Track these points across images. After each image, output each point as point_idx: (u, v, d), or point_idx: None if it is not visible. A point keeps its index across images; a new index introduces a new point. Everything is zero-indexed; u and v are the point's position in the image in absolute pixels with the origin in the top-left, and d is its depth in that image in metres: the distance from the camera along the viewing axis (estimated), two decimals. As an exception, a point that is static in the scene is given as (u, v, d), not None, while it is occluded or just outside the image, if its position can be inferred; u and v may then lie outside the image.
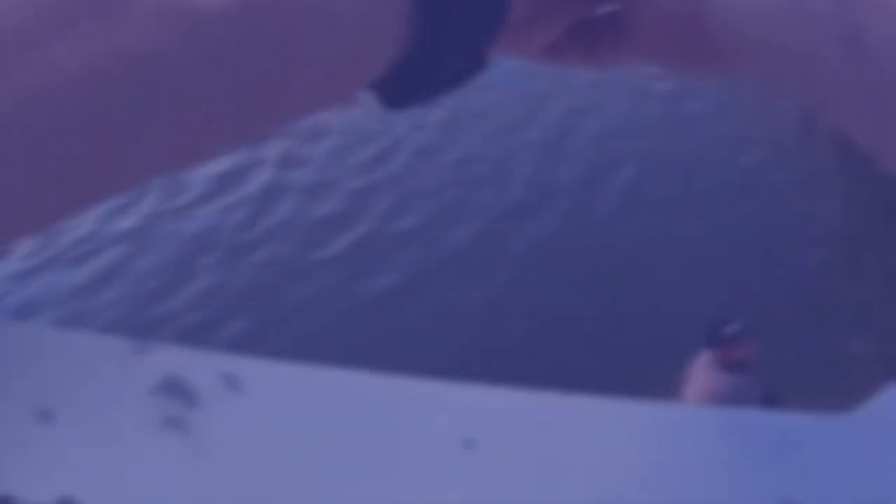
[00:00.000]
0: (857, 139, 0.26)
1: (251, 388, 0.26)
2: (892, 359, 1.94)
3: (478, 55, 0.25)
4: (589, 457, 0.24)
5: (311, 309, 2.34)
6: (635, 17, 0.27)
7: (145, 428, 0.25)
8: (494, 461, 0.23)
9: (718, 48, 0.26)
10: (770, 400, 1.81)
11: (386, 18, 0.24)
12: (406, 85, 0.25)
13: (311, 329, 2.26)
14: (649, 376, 1.67)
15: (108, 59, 0.21)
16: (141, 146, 0.23)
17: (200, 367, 0.26)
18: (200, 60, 0.22)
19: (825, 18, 0.26)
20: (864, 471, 0.23)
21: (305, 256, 2.50)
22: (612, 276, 2.14)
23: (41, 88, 0.21)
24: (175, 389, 0.26)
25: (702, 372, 1.88)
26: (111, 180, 0.23)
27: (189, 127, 0.23)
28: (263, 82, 0.23)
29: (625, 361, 2.10)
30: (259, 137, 0.30)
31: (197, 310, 2.42)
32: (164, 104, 0.22)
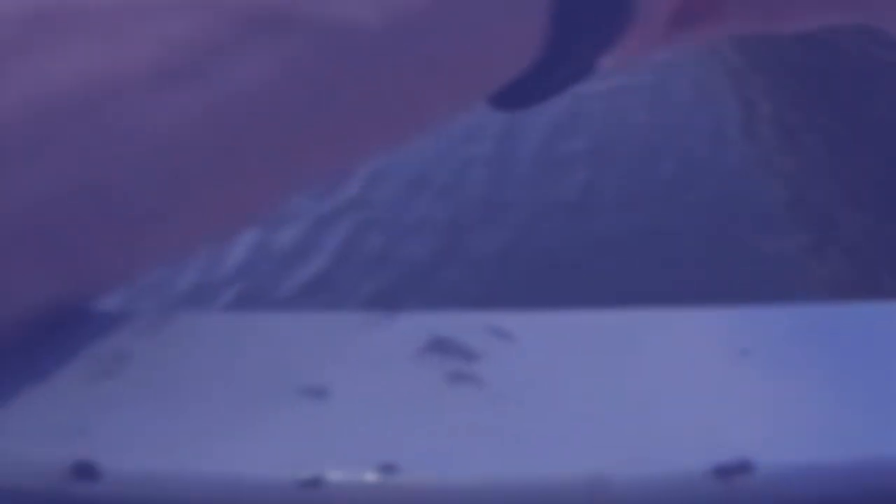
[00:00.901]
0: None
1: (522, 338, 0.25)
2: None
3: (592, 62, 0.26)
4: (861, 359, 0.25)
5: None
6: None
7: (433, 386, 0.25)
8: (769, 367, 0.24)
9: None
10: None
11: (526, 29, 0.24)
12: (524, 89, 0.25)
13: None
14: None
15: (278, 75, 0.21)
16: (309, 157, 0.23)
17: (461, 325, 0.26)
18: (354, 78, 0.22)
19: None
20: None
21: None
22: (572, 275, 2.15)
23: (221, 101, 0.21)
24: (448, 348, 0.25)
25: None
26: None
27: (339, 143, 0.23)
28: (411, 97, 0.23)
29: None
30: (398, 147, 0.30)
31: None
32: (322, 119, 0.22)
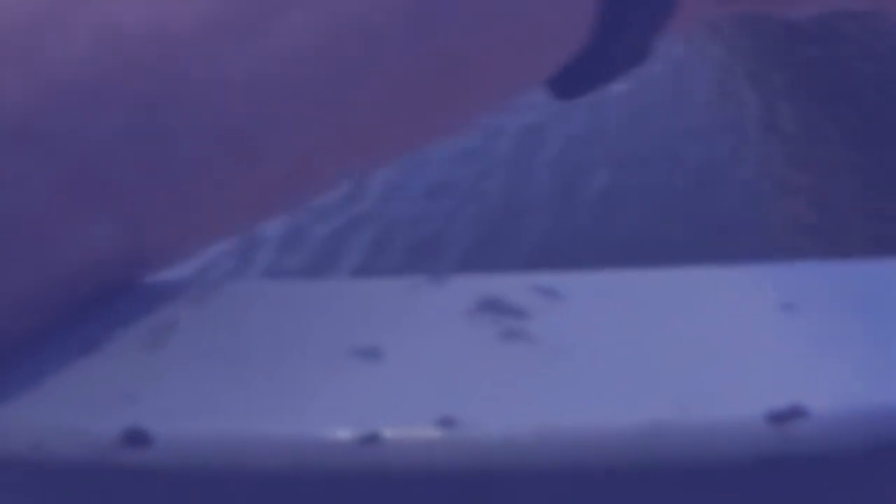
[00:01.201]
0: None
1: (570, 296, 0.26)
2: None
3: (648, 44, 0.26)
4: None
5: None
6: None
7: (486, 343, 0.25)
8: (814, 322, 0.24)
9: None
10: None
11: (575, 10, 0.24)
12: (580, 75, 0.25)
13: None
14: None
15: (336, 25, 0.21)
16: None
17: (509, 286, 0.26)
18: (407, 33, 0.22)
19: None
20: None
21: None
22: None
23: (279, 54, 0.21)
24: (498, 307, 0.26)
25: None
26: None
27: (391, 110, 0.23)
28: (464, 62, 0.23)
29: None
30: (456, 129, 0.30)
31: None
32: (374, 76, 0.22)
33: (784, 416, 0.22)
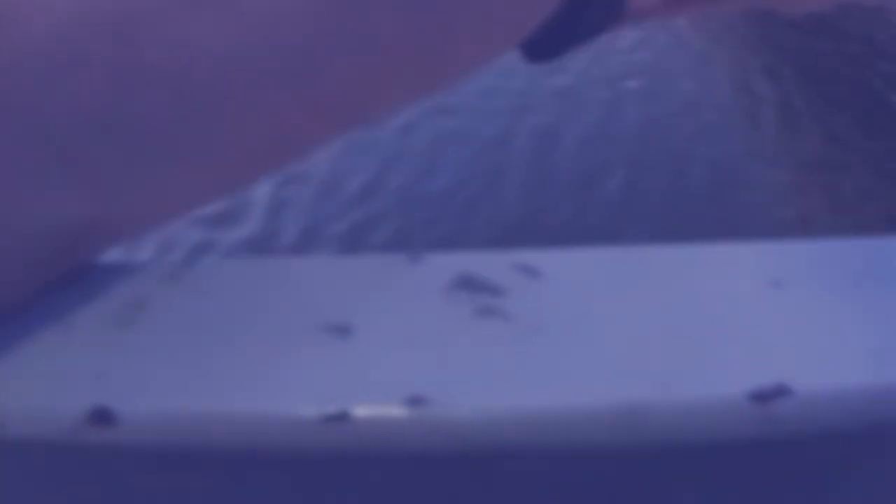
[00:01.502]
0: None
1: (549, 274, 0.25)
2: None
3: (619, 6, 0.26)
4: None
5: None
6: None
7: (460, 321, 0.24)
8: (802, 300, 0.23)
9: None
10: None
11: None
12: (552, 38, 0.25)
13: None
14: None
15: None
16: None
17: (487, 263, 0.25)
18: (384, 13, 0.22)
19: None
20: None
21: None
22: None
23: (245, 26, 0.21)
24: (475, 285, 0.25)
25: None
26: None
27: (372, 81, 0.22)
28: (441, 27, 0.22)
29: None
30: (430, 93, 0.30)
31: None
32: (352, 48, 0.22)
33: (767, 395, 0.21)
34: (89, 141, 0.21)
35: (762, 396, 0.21)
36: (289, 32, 0.21)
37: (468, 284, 0.24)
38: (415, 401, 0.21)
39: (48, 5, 0.20)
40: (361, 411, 0.21)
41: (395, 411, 0.21)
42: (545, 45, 0.26)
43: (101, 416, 0.21)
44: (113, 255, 0.25)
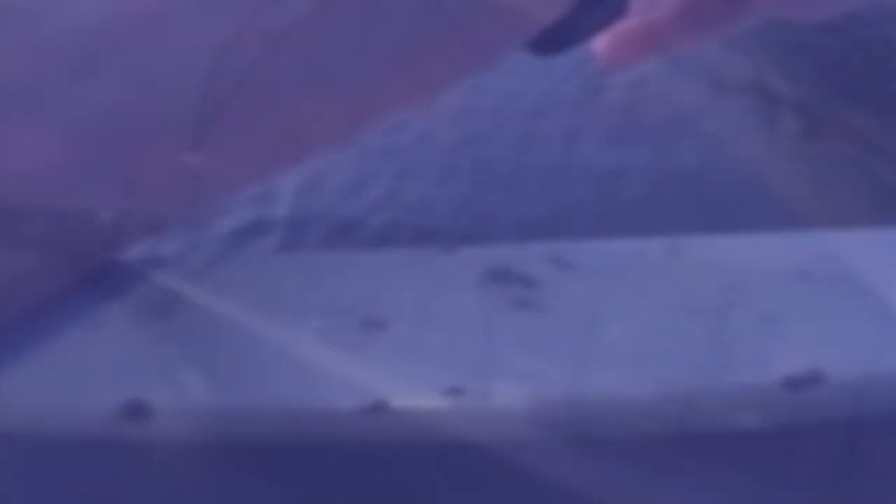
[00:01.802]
0: None
1: (581, 265, 0.25)
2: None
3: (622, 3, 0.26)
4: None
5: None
6: None
7: (495, 312, 0.24)
8: (831, 289, 0.23)
9: None
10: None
11: None
12: (559, 33, 0.25)
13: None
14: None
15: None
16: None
17: (520, 255, 0.25)
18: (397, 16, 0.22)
19: None
20: None
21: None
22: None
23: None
24: (508, 277, 0.25)
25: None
26: None
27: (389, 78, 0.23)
28: (453, 39, 0.23)
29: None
30: (441, 89, 0.30)
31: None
32: (372, 47, 0.22)
33: (800, 382, 0.22)
34: (120, 138, 0.21)
35: (795, 383, 0.21)
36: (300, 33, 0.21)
37: (502, 276, 0.24)
38: (453, 391, 0.21)
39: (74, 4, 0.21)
40: (400, 402, 0.21)
41: (434, 402, 0.21)
42: (552, 39, 0.26)
43: (136, 410, 0.22)
44: (144, 250, 0.26)
